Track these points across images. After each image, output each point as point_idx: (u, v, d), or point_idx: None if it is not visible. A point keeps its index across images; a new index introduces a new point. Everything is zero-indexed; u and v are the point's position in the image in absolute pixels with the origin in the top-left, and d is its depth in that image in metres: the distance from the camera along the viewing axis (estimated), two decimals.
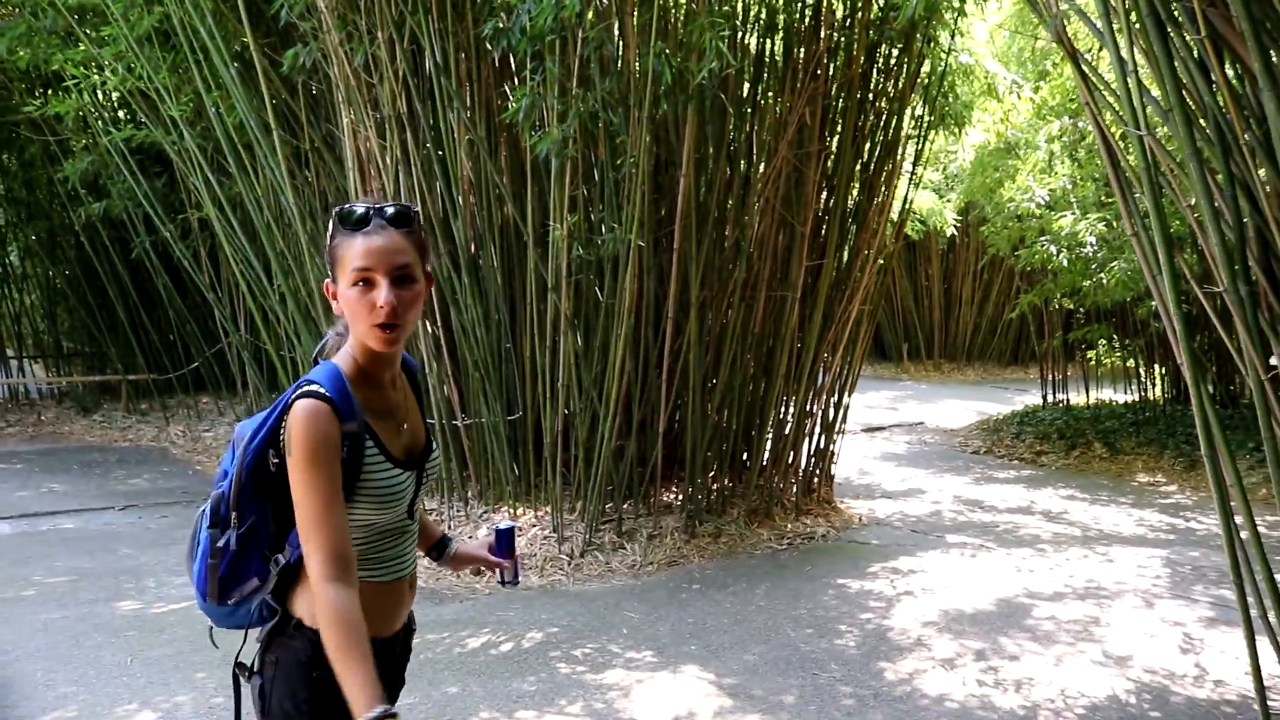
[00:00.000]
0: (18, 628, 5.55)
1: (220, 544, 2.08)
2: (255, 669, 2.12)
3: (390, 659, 2.24)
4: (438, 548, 2.51)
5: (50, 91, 10.35)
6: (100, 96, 10.18)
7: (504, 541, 2.51)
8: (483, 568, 2.56)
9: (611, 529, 6.91)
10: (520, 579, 2.55)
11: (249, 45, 6.89)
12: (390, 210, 2.03)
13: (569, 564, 6.58)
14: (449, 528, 7.04)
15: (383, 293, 1.97)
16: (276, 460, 2.04)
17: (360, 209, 2.02)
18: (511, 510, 7.06)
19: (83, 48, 8.40)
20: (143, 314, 12.35)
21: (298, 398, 1.99)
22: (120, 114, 10.96)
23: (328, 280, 2.09)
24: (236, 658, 2.17)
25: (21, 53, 9.28)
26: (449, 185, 6.74)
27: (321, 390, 1.99)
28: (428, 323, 6.98)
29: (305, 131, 7.36)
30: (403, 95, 6.52)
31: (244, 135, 7.37)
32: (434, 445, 2.28)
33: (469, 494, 7.31)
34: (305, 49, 6.59)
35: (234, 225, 8.41)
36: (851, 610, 5.77)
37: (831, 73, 7.11)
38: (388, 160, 6.70)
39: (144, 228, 10.69)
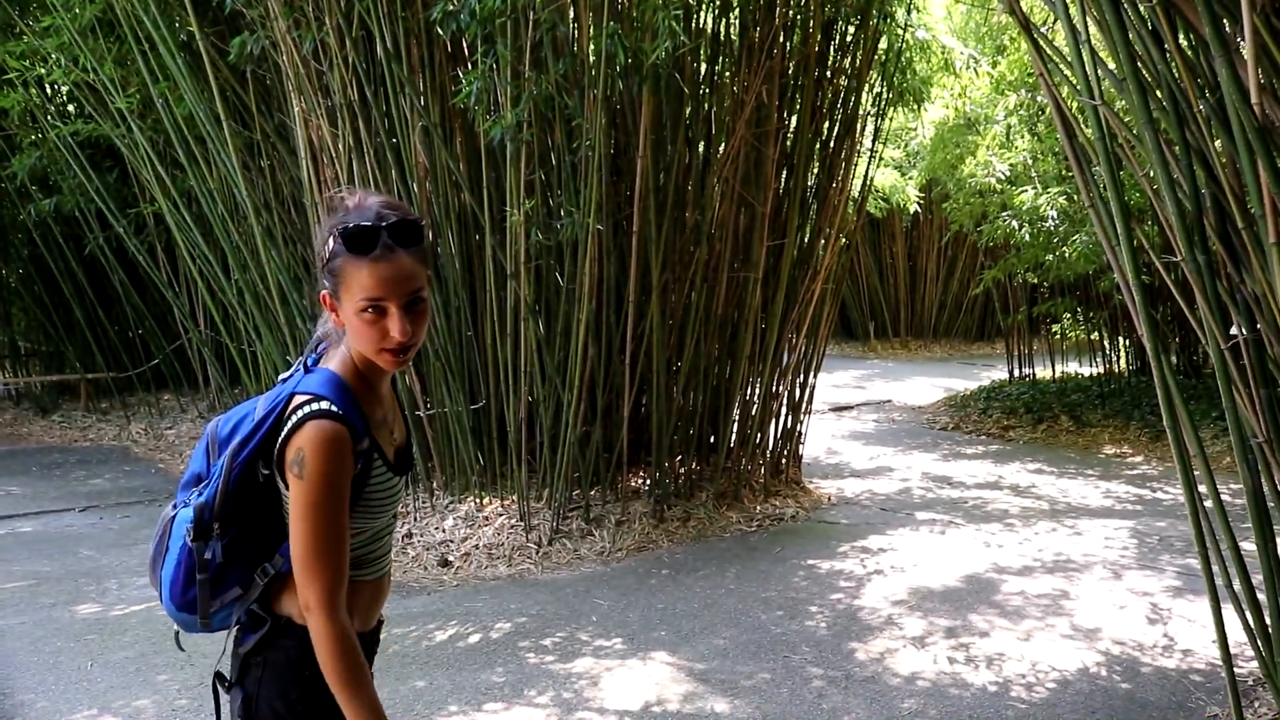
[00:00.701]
0: None
1: (206, 556, 1.99)
2: (235, 679, 2.05)
3: (368, 648, 2.18)
4: None
5: None
6: (48, 90, 9.98)
7: None
8: None
9: (579, 516, 6.86)
10: None
11: (195, 34, 6.75)
12: (399, 228, 1.87)
13: (537, 552, 6.52)
14: (414, 519, 6.97)
15: (396, 323, 1.86)
16: (266, 472, 1.95)
17: (366, 227, 1.86)
18: (477, 500, 6.99)
19: (25, 40, 8.22)
20: (100, 311, 12.14)
21: (310, 416, 1.88)
22: (71, 108, 10.76)
23: (324, 291, 1.95)
24: (216, 668, 2.10)
25: None
26: (403, 173, 6.64)
27: (335, 409, 1.89)
28: None
29: (257, 122, 7.23)
30: (353, 82, 6.41)
31: (194, 127, 7.24)
32: (411, 440, 2.22)
33: (434, 485, 7.24)
34: (253, 37, 6.46)
35: (188, 219, 8.27)
36: (822, 591, 5.75)
37: (788, 50, 7.05)
38: (340, 149, 6.59)
39: (97, 224, 10.50)
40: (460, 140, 6.76)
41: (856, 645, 4.95)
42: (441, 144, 6.48)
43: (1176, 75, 3.12)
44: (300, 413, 1.89)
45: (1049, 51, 3.61)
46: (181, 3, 6.74)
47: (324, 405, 1.89)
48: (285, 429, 1.90)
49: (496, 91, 6.00)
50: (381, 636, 2.28)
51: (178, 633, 2.13)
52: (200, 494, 2.00)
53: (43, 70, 8.38)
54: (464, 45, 6.69)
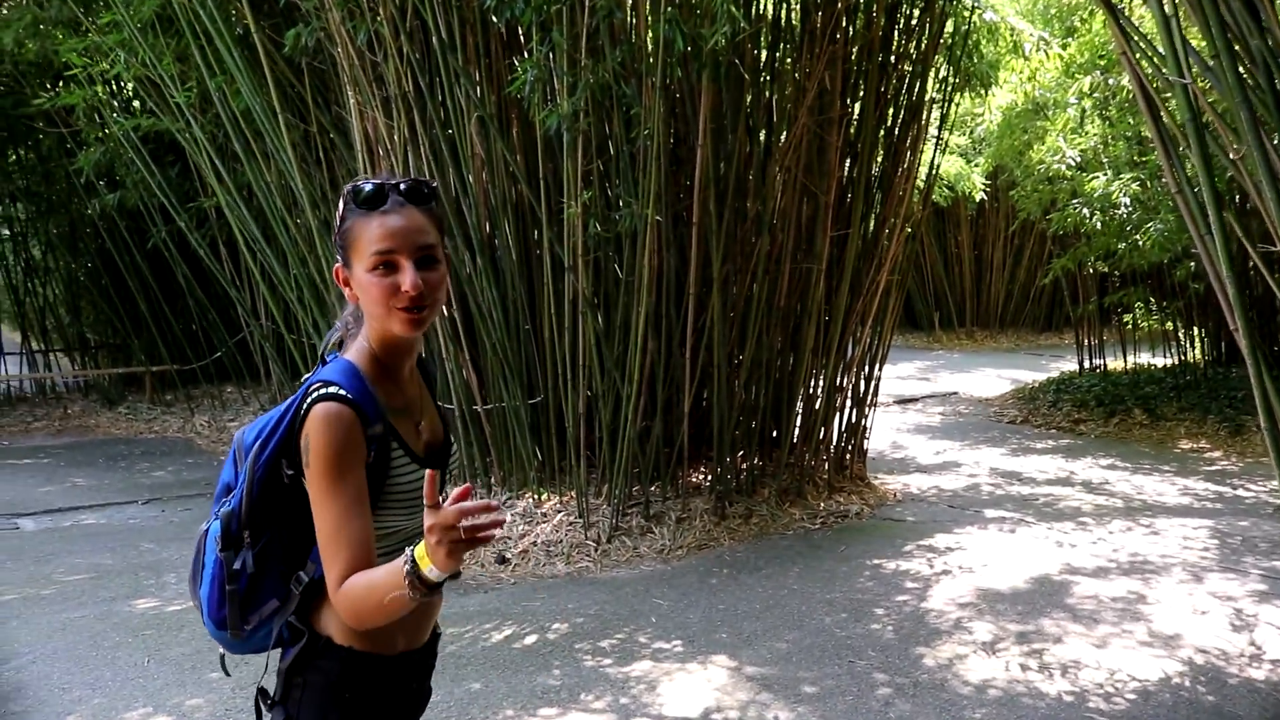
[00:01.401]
0: (36, 628, 5.46)
1: (236, 566, 1.91)
2: (278, 698, 1.96)
3: (421, 671, 2.09)
4: None
5: (61, 83, 10.22)
6: (112, 86, 10.06)
7: None
8: None
9: (639, 513, 6.74)
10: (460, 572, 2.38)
11: (251, 28, 6.71)
12: (408, 186, 1.87)
13: (595, 550, 6.42)
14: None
15: (408, 275, 1.81)
16: (290, 472, 1.87)
17: (374, 185, 1.86)
18: (535, 496, 6.90)
19: (91, 36, 8.25)
20: (164, 305, 12.25)
21: (315, 401, 1.81)
22: (136, 104, 10.84)
23: (338, 265, 1.92)
24: (259, 683, 2.01)
25: (30, 45, 9.18)
26: (459, 164, 6.56)
27: (341, 392, 1.82)
28: (443, 305, 6.81)
29: (313, 115, 7.19)
30: (408, 73, 6.33)
31: (251, 121, 7.20)
32: (452, 438, 2.11)
33: (491, 481, 7.16)
34: (307, 29, 6.40)
35: (246, 213, 8.27)
36: (887, 592, 5.58)
37: (851, 35, 6.85)
38: (395, 140, 6.52)
39: (160, 218, 10.57)
40: (517, 131, 6.66)
41: (924, 650, 4.78)
42: (498, 135, 6.38)
43: (1273, 48, 2.91)
44: (309, 401, 1.82)
45: (1130, 29, 3.41)
46: None
47: (330, 389, 1.82)
48: (299, 422, 1.83)
49: (553, 80, 5.89)
50: (438, 650, 2.17)
51: (224, 656, 2.04)
52: (228, 503, 1.92)
53: (105, 66, 8.39)
54: (520, 34, 6.59)
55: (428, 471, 1.61)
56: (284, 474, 1.88)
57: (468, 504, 1.57)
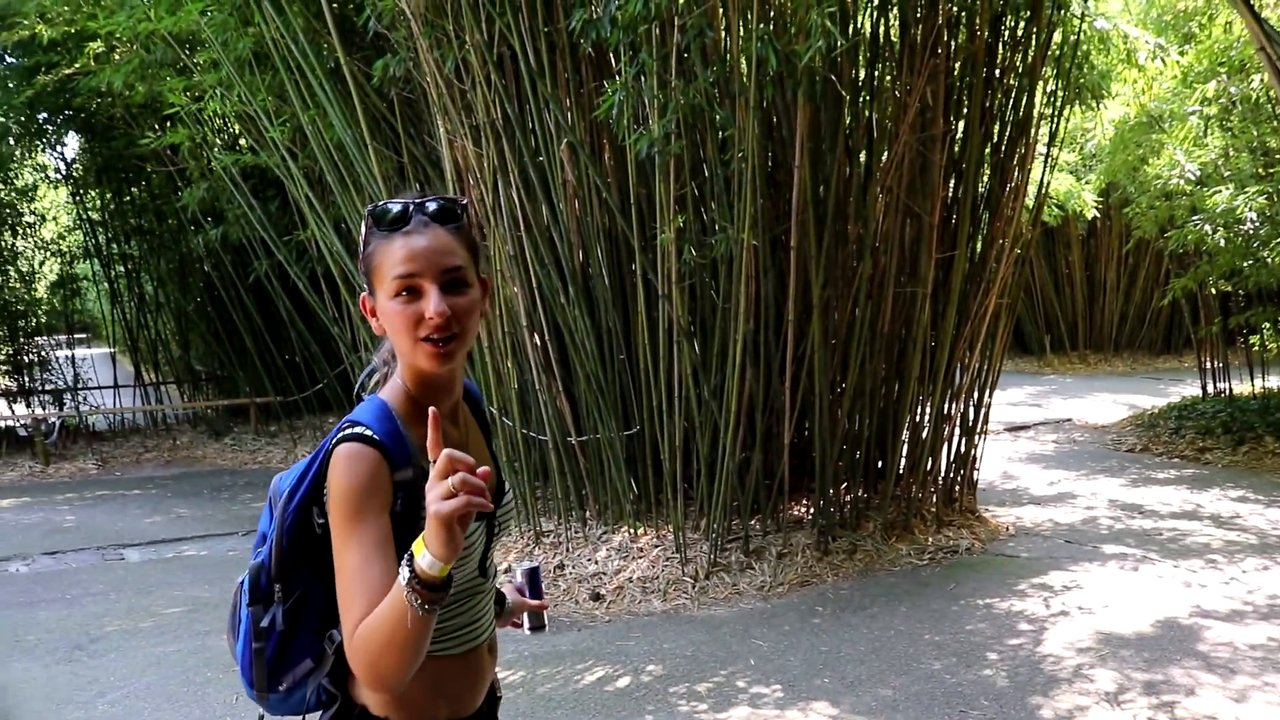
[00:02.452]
0: (132, 662, 5.48)
1: (264, 623, 1.75)
2: None
3: None
4: (498, 607, 2.13)
5: (168, 123, 10.45)
6: (214, 124, 10.23)
7: (534, 582, 2.17)
8: (514, 619, 2.17)
9: (738, 548, 6.51)
10: (546, 624, 2.22)
11: (341, 61, 6.71)
12: (433, 205, 1.69)
13: (693, 587, 6.20)
14: (566, 550, 6.74)
15: (432, 301, 1.63)
16: (321, 520, 1.70)
17: (397, 205, 1.69)
18: (631, 530, 6.71)
19: (195, 77, 8.39)
20: (268, 337, 12.45)
21: (339, 442, 1.65)
22: (243, 142, 11.05)
23: (363, 295, 1.75)
24: None
25: (139, 87, 9.39)
26: (550, 192, 6.45)
27: (367, 432, 1.65)
28: (536, 335, 6.69)
29: (404, 145, 7.16)
30: (496, 101, 6.25)
31: (344, 153, 7.20)
32: (506, 486, 1.92)
33: (586, 515, 7.00)
34: (395, 59, 6.38)
35: (340, 246, 8.29)
36: (1000, 635, 5.24)
37: (953, 49, 6.57)
38: (485, 169, 6.44)
39: (262, 251, 10.72)
40: (608, 156, 6.53)
41: (1041, 700, 4.44)
42: (589, 161, 6.25)
43: None
44: (333, 443, 1.66)
45: (1270, 28, 3.11)
46: (328, 30, 6.71)
47: (356, 430, 1.65)
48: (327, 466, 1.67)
49: (643, 103, 5.75)
50: (527, 677, 2.00)
51: (261, 717, 1.89)
52: (259, 555, 1.76)
53: (208, 104, 8.52)
54: (611, 57, 6.46)
55: (430, 411, 1.43)
56: (315, 523, 1.72)
57: (458, 453, 1.38)
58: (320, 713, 1.80)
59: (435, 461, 1.40)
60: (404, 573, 1.43)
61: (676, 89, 5.52)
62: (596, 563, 6.54)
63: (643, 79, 5.67)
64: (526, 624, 2.15)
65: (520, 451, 7.08)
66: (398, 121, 7.11)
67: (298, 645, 1.76)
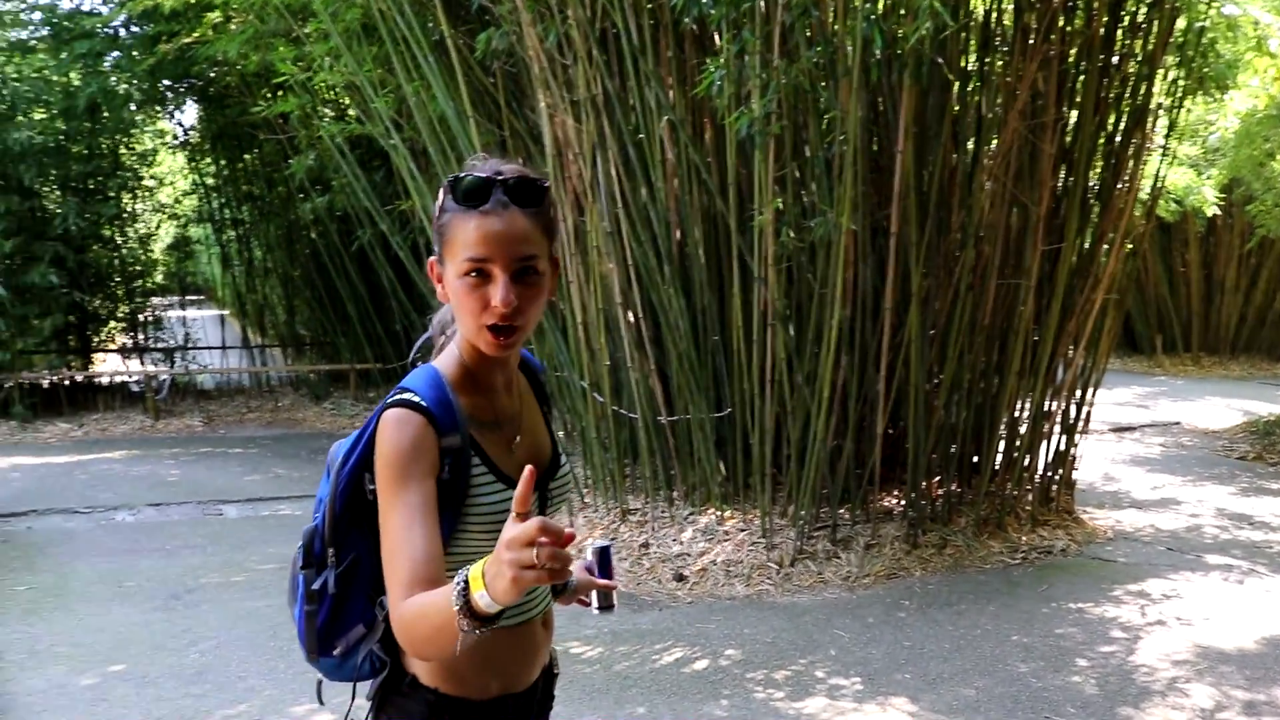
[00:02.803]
0: (225, 613, 5.63)
1: (316, 586, 1.76)
2: None
3: (528, 713, 1.88)
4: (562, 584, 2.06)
5: (279, 92, 10.66)
6: (323, 94, 10.41)
7: (604, 561, 2.10)
8: (581, 596, 2.08)
9: (825, 536, 6.42)
10: (615, 604, 2.13)
11: (446, 33, 6.75)
12: (515, 182, 1.64)
13: (777, 573, 6.14)
14: (652, 529, 6.72)
15: (499, 290, 1.61)
16: (372, 487, 1.69)
17: (478, 177, 1.63)
18: (718, 513, 6.67)
19: (305, 48, 8.53)
20: (369, 305, 12.67)
21: (387, 408, 1.65)
22: (352, 112, 11.24)
23: (432, 259, 1.73)
24: (346, 717, 1.85)
25: (253, 56, 9.58)
26: (648, 169, 6.41)
27: (416, 399, 1.65)
28: (629, 312, 6.68)
29: (506, 119, 7.19)
30: (597, 77, 6.23)
31: (446, 126, 7.26)
32: (562, 459, 1.90)
33: (674, 495, 6.98)
34: (498, 32, 6.40)
35: None
36: (1092, 641, 5.09)
37: (1069, 34, 6.34)
38: (584, 144, 6.43)
39: (366, 221, 10.89)
40: (709, 135, 6.47)
41: (1131, 712, 4.29)
42: (689, 139, 6.20)
43: None
44: (384, 409, 1.65)
45: None
46: (434, 3, 6.75)
47: (404, 395, 1.65)
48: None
49: (745, 82, 5.67)
50: (605, 654, 1.98)
51: (320, 683, 1.89)
52: (314, 520, 1.78)
53: (316, 74, 8.66)
54: (716, 35, 6.39)
55: (527, 469, 1.37)
56: (366, 489, 1.71)
57: (552, 523, 1.31)
58: (373, 678, 1.81)
59: (518, 514, 1.34)
60: (456, 599, 1.38)
61: (779, 68, 5.44)
62: (681, 543, 6.52)
63: (745, 57, 5.59)
64: (595, 603, 2.08)
65: (610, 429, 7.09)
66: (500, 95, 7.15)
67: (350, 610, 1.77)
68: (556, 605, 2.02)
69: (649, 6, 6.03)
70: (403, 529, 1.57)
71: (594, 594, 2.04)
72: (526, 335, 1.69)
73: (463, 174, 1.65)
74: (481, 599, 1.36)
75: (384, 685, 1.78)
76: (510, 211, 1.63)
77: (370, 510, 1.70)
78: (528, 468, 1.38)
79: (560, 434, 7.82)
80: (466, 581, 1.38)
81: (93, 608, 5.77)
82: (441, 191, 1.68)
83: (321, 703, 1.87)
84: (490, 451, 1.73)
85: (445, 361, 1.75)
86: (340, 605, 1.76)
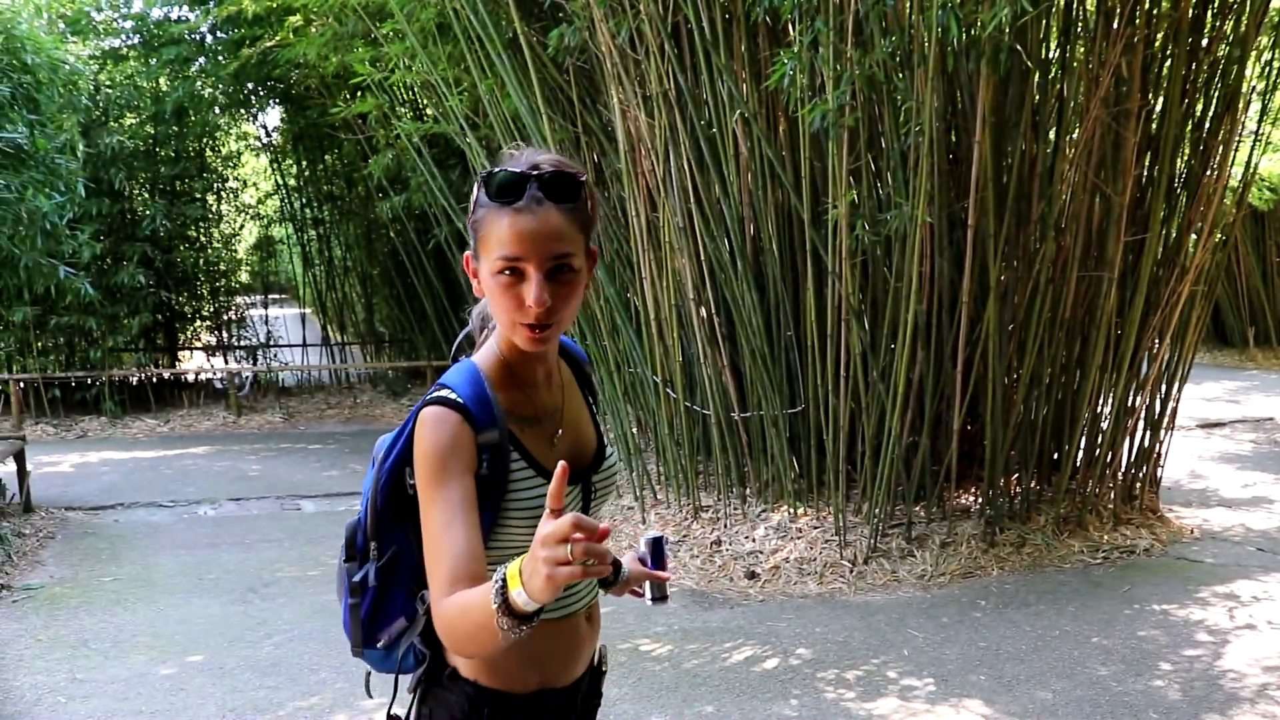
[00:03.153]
0: (299, 607, 5.72)
1: (357, 579, 1.78)
2: None
3: (571, 710, 1.87)
4: (613, 574, 2.00)
5: (358, 93, 10.81)
6: (400, 94, 10.53)
7: (657, 552, 2.03)
8: (634, 588, 2.03)
9: (900, 534, 6.33)
10: (669, 596, 2.06)
11: (519, 31, 6.77)
12: (551, 178, 1.60)
13: (850, 571, 6.07)
14: (724, 526, 6.68)
15: (533, 288, 1.59)
16: (412, 482, 1.70)
17: (512, 172, 1.60)
18: (791, 510, 6.61)
19: (382, 48, 8.63)
20: (446, 302, 12.79)
21: (425, 405, 1.66)
22: (429, 110, 11.36)
23: (467, 253, 1.72)
24: (389, 709, 1.86)
25: (332, 58, 9.72)
26: (720, 164, 6.37)
27: (453, 396, 1.65)
28: (702, 308, 6.64)
29: (579, 116, 7.20)
30: (669, 71, 6.20)
31: (520, 124, 7.29)
32: (608, 451, 1.88)
33: (746, 492, 6.93)
34: (570, 28, 6.40)
35: None
36: (1176, 644, 4.93)
37: (1154, 17, 6.16)
38: (657, 140, 6.40)
39: (444, 219, 10.99)
40: (783, 129, 6.41)
41: (1217, 719, 4.16)
42: (761, 132, 6.14)
43: None
44: (422, 406, 1.66)
45: None
46: (507, 0, 6.77)
47: (441, 392, 1.65)
48: None
49: (817, 73, 5.60)
50: (674, 651, 1.97)
51: (369, 675, 1.90)
52: (358, 514, 1.80)
53: (394, 74, 8.75)
54: (790, 26, 6.32)
55: (560, 465, 1.36)
56: (407, 484, 1.72)
57: (586, 518, 1.30)
58: (414, 672, 1.82)
59: (552, 510, 1.33)
60: (495, 597, 1.37)
61: (853, 59, 5.36)
62: (754, 541, 6.46)
63: (818, 48, 5.52)
64: (648, 594, 2.04)
65: (683, 425, 7.06)
66: (573, 91, 7.15)
67: (391, 603, 1.78)
68: (618, 600, 2.01)
69: (720, 0, 5.98)
70: (443, 526, 1.57)
71: (647, 585, 2.00)
72: (563, 328, 1.68)
73: (496, 169, 1.63)
74: (519, 596, 1.35)
75: (425, 677, 1.79)
76: (544, 208, 1.60)
77: (411, 505, 1.70)
78: (560, 464, 1.36)
79: (633, 431, 7.84)
80: (504, 579, 1.37)
81: (174, 599, 5.90)
82: (476, 186, 1.66)
83: (370, 695, 1.89)
84: (530, 446, 1.73)
85: (484, 356, 1.75)
86: (382, 598, 1.77)
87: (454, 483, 1.59)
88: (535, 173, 1.61)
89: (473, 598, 1.45)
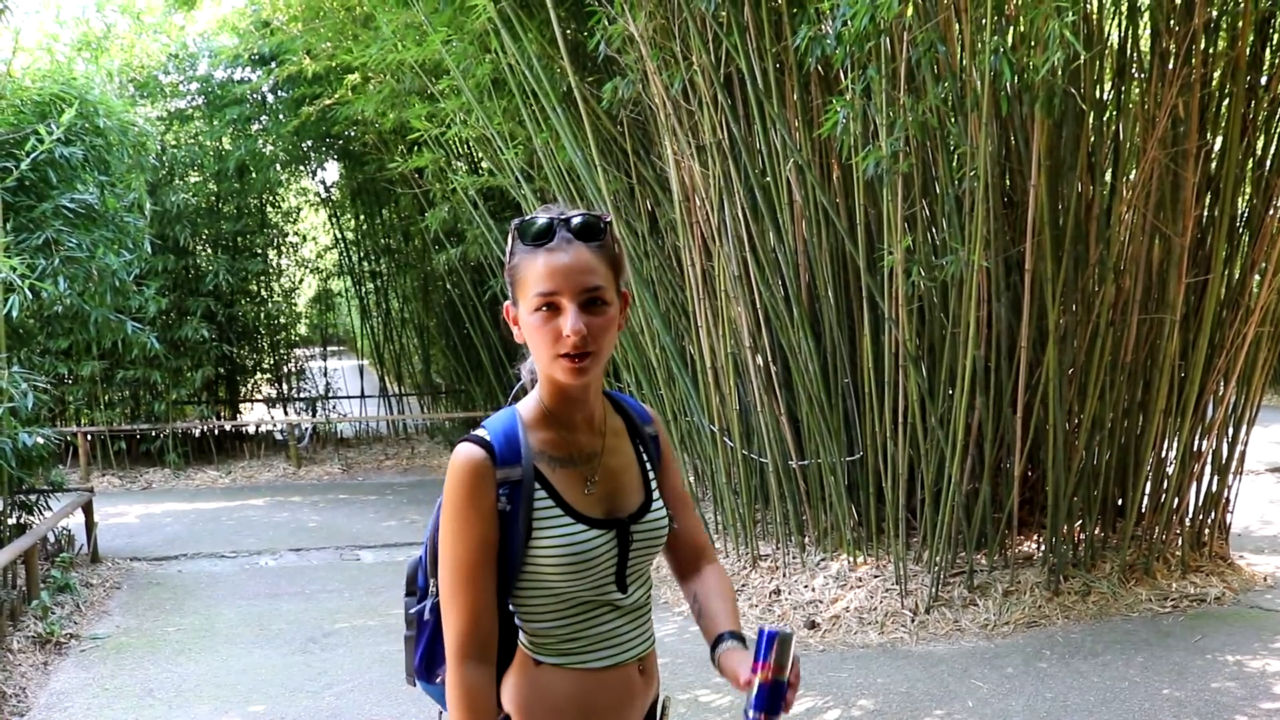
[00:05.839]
0: (359, 657, 5.73)
1: (413, 612, 1.90)
2: None
3: None
4: (713, 645, 1.91)
5: (415, 148, 11.00)
6: (457, 148, 10.69)
7: (765, 650, 1.71)
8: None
9: (961, 582, 6.24)
10: (784, 713, 1.71)
11: (573, 85, 6.87)
12: (578, 221, 1.74)
13: (912, 620, 5.99)
14: (783, 575, 6.63)
15: (570, 319, 1.67)
16: None
17: (543, 220, 1.74)
18: (850, 558, 6.54)
19: (438, 104, 8.79)
20: (502, 353, 12.89)
21: (458, 443, 1.75)
22: (483, 163, 11.53)
23: (507, 304, 1.80)
24: None
25: (390, 114, 9.92)
26: (775, 211, 6.39)
27: (482, 435, 1.74)
28: (758, 356, 6.64)
29: (633, 167, 7.27)
30: (722, 121, 6.25)
31: (575, 175, 7.38)
32: (656, 503, 1.88)
33: (805, 540, 6.87)
34: (624, 81, 6.48)
35: None
36: (1252, 696, 4.80)
37: (1210, 56, 6.11)
38: (711, 189, 6.44)
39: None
40: (837, 175, 6.42)
41: None
42: (815, 180, 6.16)
43: None
44: None
45: None
46: (560, 55, 6.89)
47: (476, 431, 1.76)
48: None
49: (871, 120, 5.62)
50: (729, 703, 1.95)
51: (441, 714, 1.92)
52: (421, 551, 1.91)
53: (447, 129, 8.90)
54: (842, 74, 6.36)
55: None
56: None
57: None
58: None
59: None
60: None
61: (905, 105, 5.37)
62: (813, 590, 6.41)
63: (870, 96, 5.54)
64: (749, 702, 1.72)
65: (741, 474, 7.03)
66: (627, 143, 7.23)
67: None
68: (678, 648, 2.00)
69: (773, 50, 6.03)
70: (462, 575, 1.70)
71: (747, 693, 1.73)
72: (601, 361, 1.74)
73: (528, 218, 1.75)
74: None
75: None
76: (575, 246, 1.71)
77: None
78: None
79: (690, 480, 7.82)
80: None
81: (236, 649, 5.95)
82: (510, 238, 1.77)
83: None
84: (560, 486, 1.77)
85: (525, 401, 1.83)
86: (438, 635, 1.83)
87: (474, 527, 1.69)
88: (564, 216, 1.74)
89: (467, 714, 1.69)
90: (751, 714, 1.70)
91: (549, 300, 1.69)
